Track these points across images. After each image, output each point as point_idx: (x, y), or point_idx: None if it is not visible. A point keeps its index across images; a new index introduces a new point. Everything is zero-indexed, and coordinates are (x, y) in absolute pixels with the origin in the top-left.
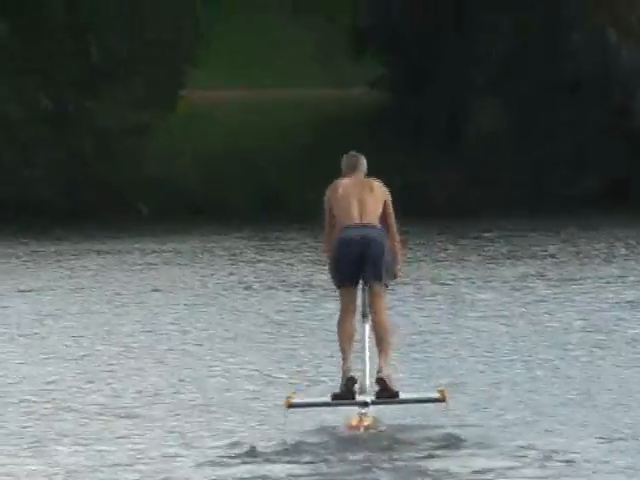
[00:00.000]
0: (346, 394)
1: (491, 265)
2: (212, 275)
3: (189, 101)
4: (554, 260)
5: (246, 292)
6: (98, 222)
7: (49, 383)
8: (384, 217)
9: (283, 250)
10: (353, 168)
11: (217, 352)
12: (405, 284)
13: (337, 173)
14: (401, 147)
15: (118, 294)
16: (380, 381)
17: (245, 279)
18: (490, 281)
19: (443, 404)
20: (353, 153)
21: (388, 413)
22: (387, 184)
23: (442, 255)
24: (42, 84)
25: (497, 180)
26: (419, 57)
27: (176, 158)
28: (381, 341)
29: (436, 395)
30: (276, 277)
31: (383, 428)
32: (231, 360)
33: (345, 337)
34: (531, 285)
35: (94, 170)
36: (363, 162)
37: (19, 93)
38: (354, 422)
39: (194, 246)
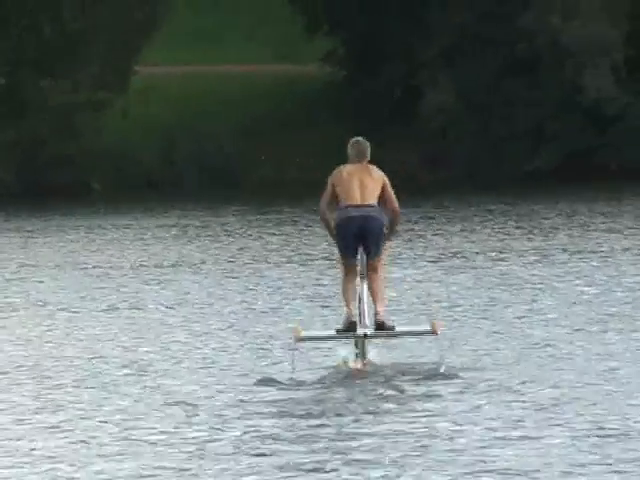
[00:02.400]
0: (349, 327)
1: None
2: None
3: (144, 76)
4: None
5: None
6: (58, 200)
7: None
8: (382, 197)
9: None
10: (360, 156)
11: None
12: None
13: (289, 145)
14: (352, 123)
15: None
16: (378, 322)
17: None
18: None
19: (434, 335)
20: (361, 140)
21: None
22: (337, 161)
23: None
24: None
25: (452, 157)
26: (371, 32)
27: (131, 133)
28: (376, 294)
29: (428, 327)
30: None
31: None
32: None
33: (348, 290)
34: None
35: (50, 148)
36: (369, 150)
37: None
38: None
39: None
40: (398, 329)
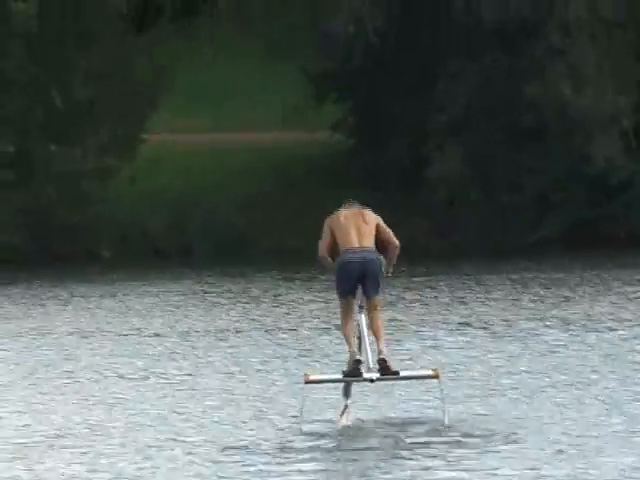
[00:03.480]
0: (355, 372)
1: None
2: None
3: (151, 144)
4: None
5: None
6: (66, 267)
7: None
8: (378, 236)
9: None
10: (349, 205)
11: None
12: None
13: (299, 217)
14: (362, 191)
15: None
16: (381, 361)
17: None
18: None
19: (435, 380)
20: (351, 201)
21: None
22: None
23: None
24: (5, 129)
25: (460, 225)
26: (380, 102)
27: (138, 202)
28: (378, 332)
29: (430, 372)
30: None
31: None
32: None
33: (349, 330)
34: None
35: (57, 215)
36: (357, 204)
37: None
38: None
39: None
40: (402, 374)
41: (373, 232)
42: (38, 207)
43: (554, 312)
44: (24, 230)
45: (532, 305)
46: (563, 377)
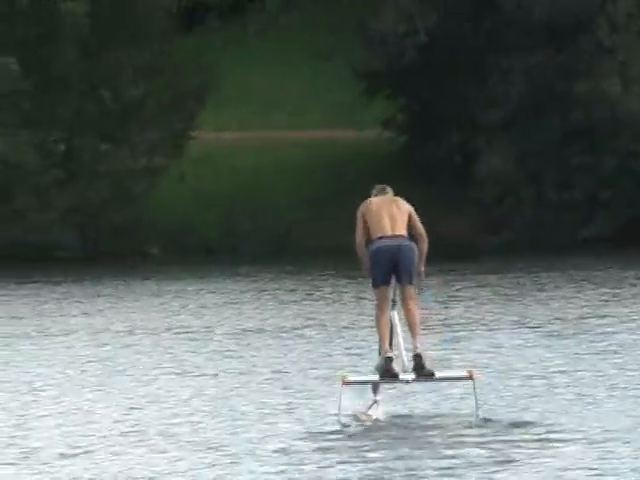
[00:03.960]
0: (390, 371)
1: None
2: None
3: (200, 143)
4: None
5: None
6: (113, 265)
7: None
8: (410, 226)
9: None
10: (382, 191)
11: None
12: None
13: (351, 214)
14: (413, 189)
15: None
16: (416, 357)
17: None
18: None
19: (470, 381)
20: (381, 185)
21: None
22: None
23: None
24: (55, 128)
25: (510, 222)
26: (432, 98)
27: (187, 200)
28: (414, 327)
29: (465, 374)
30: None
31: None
32: None
33: (383, 325)
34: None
35: (106, 213)
36: (389, 189)
37: (33, 138)
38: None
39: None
40: (437, 375)
41: (406, 219)
42: (87, 205)
43: (609, 310)
44: (73, 228)
45: (587, 303)
46: (625, 377)
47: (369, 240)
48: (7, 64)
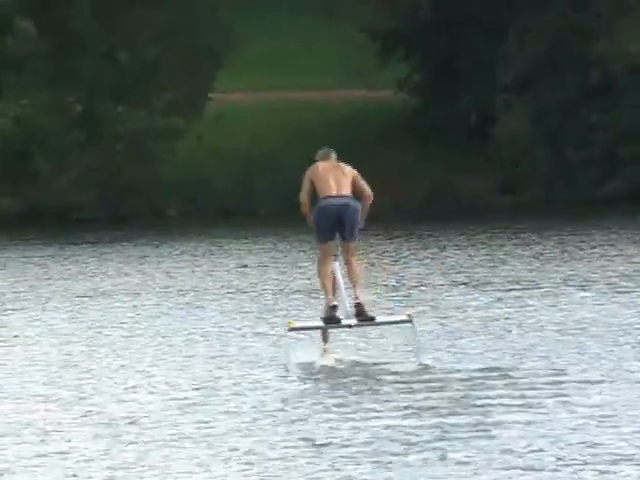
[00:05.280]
0: (333, 318)
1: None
2: None
3: (217, 104)
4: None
5: None
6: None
7: None
8: (355, 187)
9: None
10: (325, 156)
11: None
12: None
13: (366, 175)
14: (428, 149)
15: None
16: (357, 305)
17: None
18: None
19: (409, 324)
20: (325, 148)
21: None
22: (414, 185)
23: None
24: (73, 90)
25: (527, 182)
26: (446, 58)
27: (205, 161)
28: (356, 278)
29: (404, 317)
30: None
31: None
32: None
33: (326, 276)
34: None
35: (125, 174)
36: (333, 154)
37: (51, 100)
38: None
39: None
40: (378, 319)
41: (350, 182)
42: (106, 166)
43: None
44: (92, 189)
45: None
46: None
47: (317, 199)
48: (24, 27)
